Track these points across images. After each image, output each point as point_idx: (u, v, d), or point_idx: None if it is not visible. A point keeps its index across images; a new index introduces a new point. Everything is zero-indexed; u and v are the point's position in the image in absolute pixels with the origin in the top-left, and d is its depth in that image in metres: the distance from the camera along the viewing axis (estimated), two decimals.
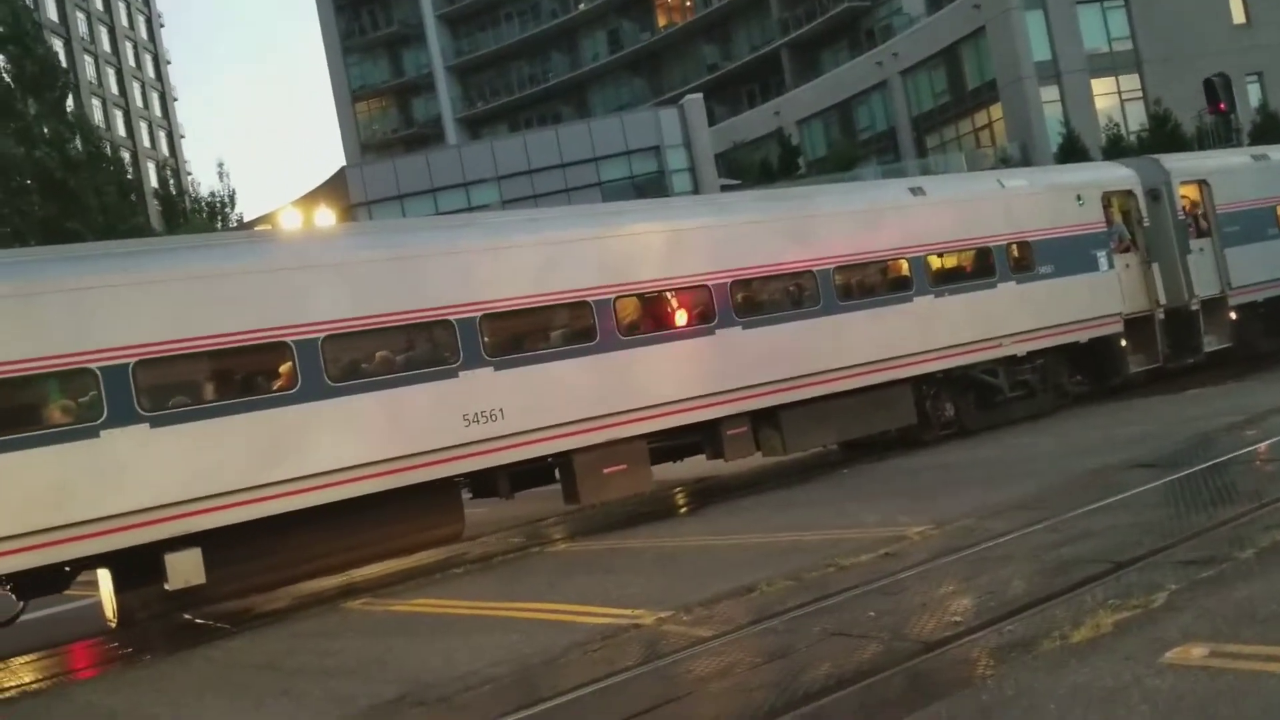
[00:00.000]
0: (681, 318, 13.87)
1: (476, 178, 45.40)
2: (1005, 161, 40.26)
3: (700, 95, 47.60)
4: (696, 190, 43.27)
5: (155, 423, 10.30)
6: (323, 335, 11.19)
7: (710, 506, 13.98)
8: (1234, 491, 9.08)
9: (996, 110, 44.84)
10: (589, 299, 12.88)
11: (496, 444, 12.00)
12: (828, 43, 57.43)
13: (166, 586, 10.36)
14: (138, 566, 10.37)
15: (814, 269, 14.79)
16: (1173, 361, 18.55)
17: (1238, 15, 44.61)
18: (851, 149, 50.32)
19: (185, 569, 10.32)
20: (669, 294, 13.86)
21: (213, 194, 28.98)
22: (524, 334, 12.88)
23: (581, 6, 66.25)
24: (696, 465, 15.48)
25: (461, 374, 11.91)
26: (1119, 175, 19.11)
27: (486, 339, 12.16)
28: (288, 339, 11.02)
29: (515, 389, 12.17)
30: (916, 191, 16.60)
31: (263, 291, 11.12)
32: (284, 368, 11.12)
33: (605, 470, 12.77)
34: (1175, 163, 20.06)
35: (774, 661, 6.46)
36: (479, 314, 12.13)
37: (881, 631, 6.63)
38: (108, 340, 10.22)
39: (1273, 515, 7.87)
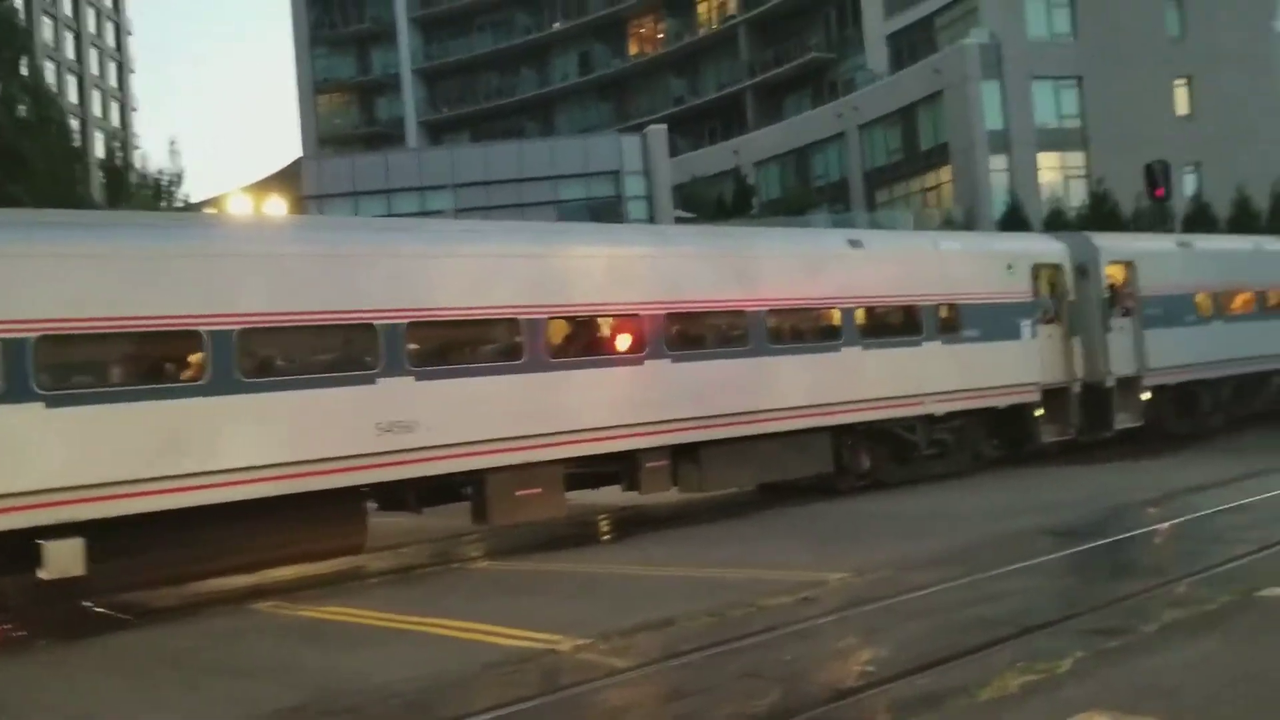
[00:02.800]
0: (612, 345, 13.87)
1: (433, 183, 45.24)
2: (950, 223, 41.04)
3: (664, 126, 48.04)
4: (652, 218, 43.57)
5: (51, 402, 9.78)
6: (239, 327, 10.78)
7: (636, 535, 14.03)
8: (1139, 565, 9.43)
9: (946, 173, 45.78)
10: (520, 317, 12.73)
11: (409, 456, 11.66)
12: (791, 89, 58.28)
13: (41, 575, 9.75)
14: (20, 552, 9.71)
15: (748, 309, 14.84)
16: (1085, 435, 18.98)
17: (1182, 107, 46.18)
18: (805, 195, 50.95)
19: (63, 559, 9.71)
20: (602, 320, 13.86)
21: (161, 171, 28.33)
22: (450, 346, 12.72)
23: (556, 26, 66.52)
24: (625, 493, 15.51)
25: (380, 381, 11.58)
26: (1049, 248, 19.58)
27: (410, 347, 11.89)
28: (201, 328, 10.59)
29: (435, 401, 11.90)
30: (855, 244, 16.81)
31: (180, 276, 10.64)
32: (195, 358, 10.70)
33: (518, 493, 12.55)
34: (1105, 241, 20.66)
35: (684, 699, 6.56)
36: (405, 321, 11.85)
37: (794, 676, 6.75)
38: (9, 312, 9.69)
39: (1174, 592, 8.16)
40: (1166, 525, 11.49)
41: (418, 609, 9.71)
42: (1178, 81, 46.12)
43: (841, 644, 7.40)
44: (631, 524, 15.04)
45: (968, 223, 41.02)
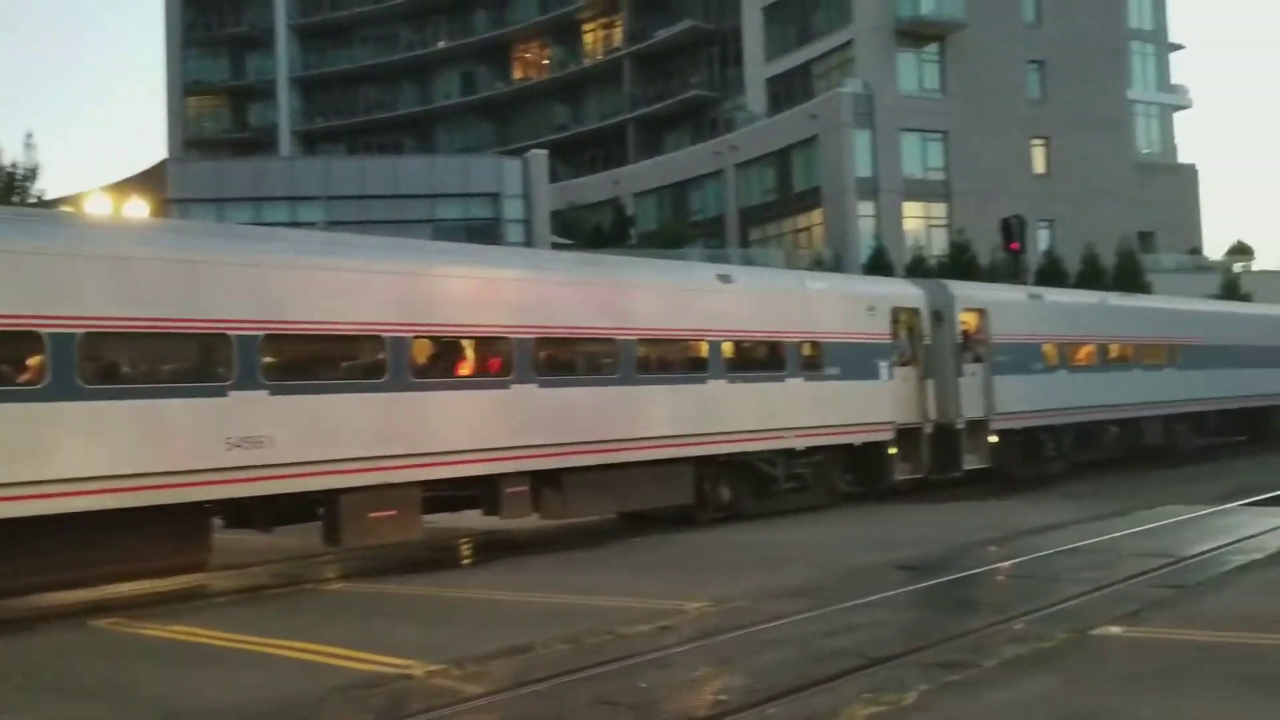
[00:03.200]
0: (478, 367, 13.68)
1: (305, 194, 44.20)
2: (820, 264, 42.17)
3: (545, 152, 48.11)
4: (530, 243, 43.48)
5: None
6: (82, 331, 10.24)
7: (497, 560, 13.84)
8: (982, 602, 9.79)
9: (817, 215, 47.08)
10: (384, 334, 12.42)
11: (260, 473, 11.19)
12: (673, 125, 59.19)
13: None
14: None
15: (618, 338, 14.86)
16: (934, 474, 19.63)
17: (1039, 165, 48.74)
18: (682, 228, 51.74)
19: None
20: (469, 341, 13.63)
21: (15, 165, 26.88)
22: (309, 361, 12.31)
23: (440, 45, 66.04)
24: (487, 518, 15.35)
25: (232, 394, 11.11)
26: (909, 293, 20.25)
27: (266, 360, 11.43)
28: (41, 330, 10.02)
29: (290, 417, 11.48)
30: (725, 279, 17.05)
31: (20, 274, 10.04)
32: (33, 361, 10.12)
33: (373, 514, 12.18)
34: (960, 289, 21.51)
35: None
36: (261, 333, 11.39)
37: (648, 704, 6.77)
38: None
39: (1013, 629, 8.50)
40: (1008, 564, 11.92)
41: (265, 630, 9.37)
42: (1036, 141, 48.69)
43: (696, 673, 7.46)
44: (493, 548, 14.89)
45: (836, 265, 42.23)
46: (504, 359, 13.63)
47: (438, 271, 13.40)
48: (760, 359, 17.14)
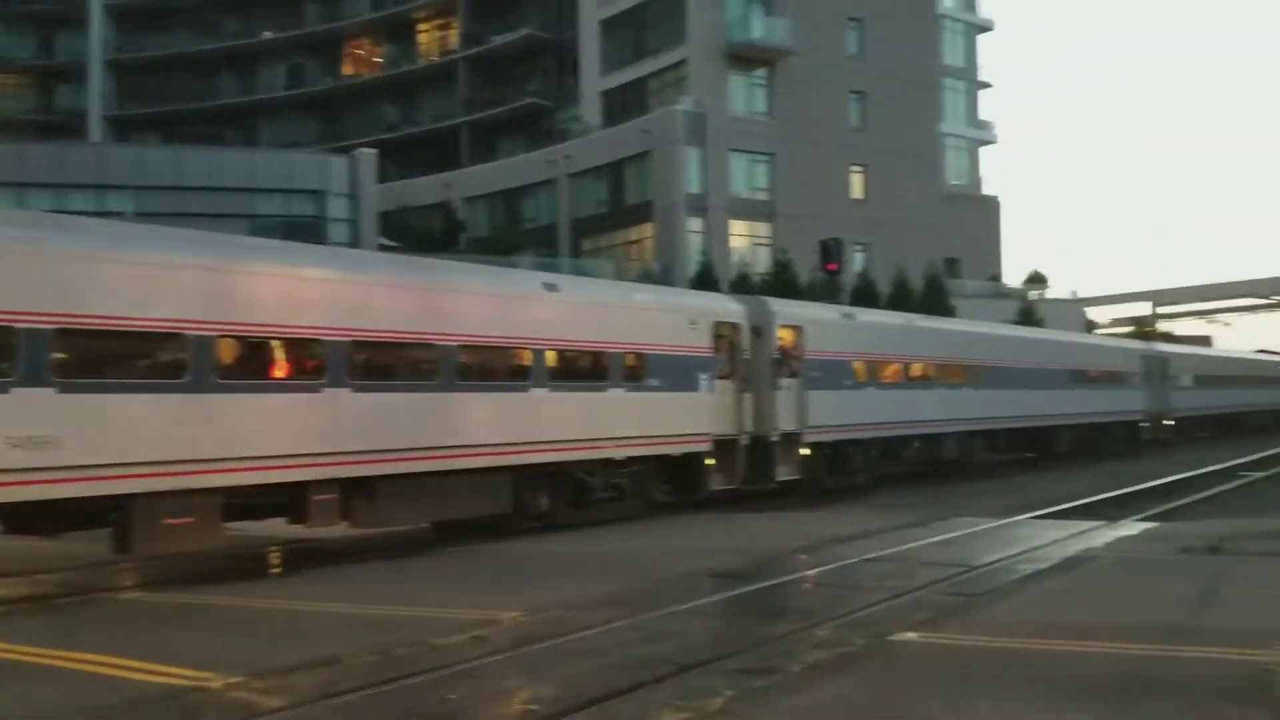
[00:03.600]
0: (289, 370, 13.18)
1: (115, 182, 41.91)
2: (649, 277, 42.72)
3: (375, 151, 47.04)
4: (355, 243, 42.43)
5: None
6: None
7: (309, 570, 13.39)
8: (789, 609, 10.12)
9: (648, 229, 47.69)
10: (186, 332, 11.84)
11: (46, 475, 10.55)
12: (507, 131, 58.87)
13: None
14: None
15: (438, 343, 14.64)
16: (749, 485, 20.13)
17: (857, 191, 50.84)
18: (514, 236, 51.48)
19: None
20: (280, 343, 13.11)
21: None
22: (104, 358, 11.63)
23: (265, 35, 63.74)
24: (297, 526, 14.89)
25: (15, 391, 10.45)
26: (730, 309, 20.73)
27: (55, 356, 10.81)
28: None
29: (81, 417, 10.84)
30: (551, 287, 17.06)
31: None
32: None
33: (169, 521, 11.59)
34: (778, 307, 22.18)
35: None
36: (50, 327, 10.75)
37: (456, 715, 6.72)
38: None
39: (817, 635, 8.81)
40: (815, 572, 12.36)
41: (53, 642, 8.83)
42: (855, 168, 50.77)
43: (508, 683, 7.44)
44: (303, 557, 14.45)
45: (665, 278, 42.88)
46: (316, 362, 13.24)
47: (247, 268, 12.83)
48: (583, 369, 17.17)
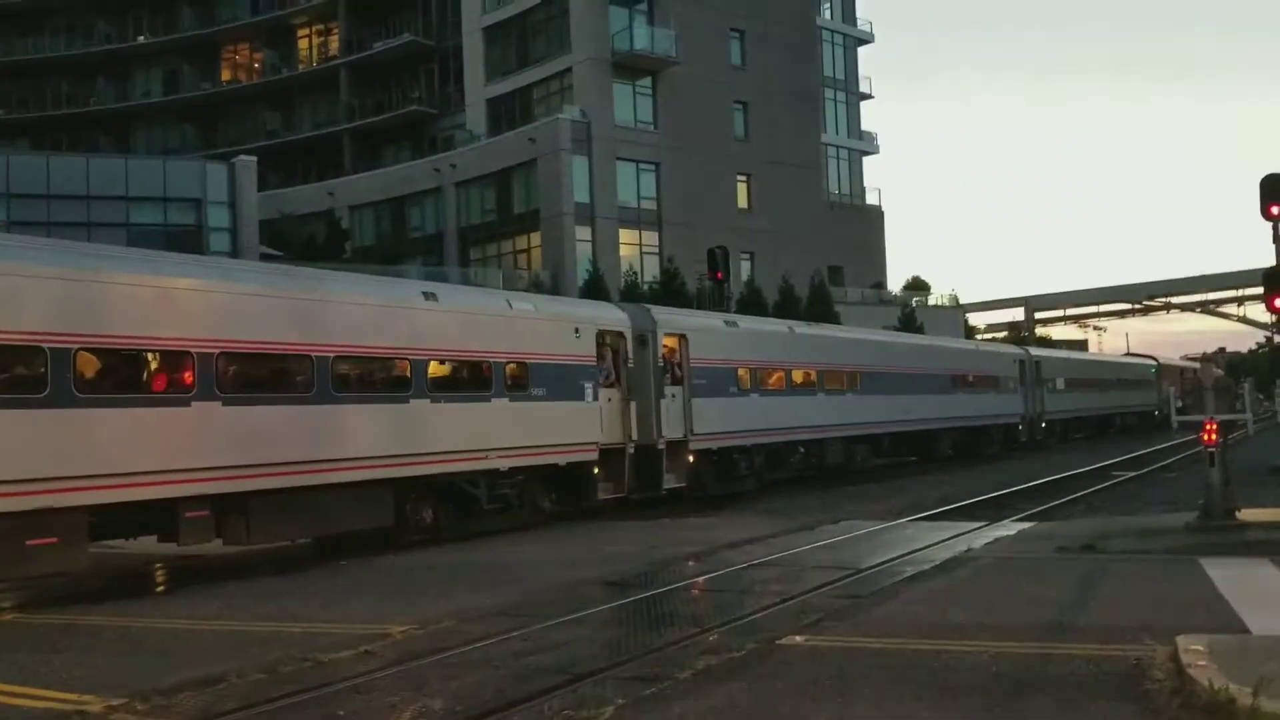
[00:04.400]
0: (155, 383, 12.79)
1: None
2: (538, 286, 42.72)
3: (254, 158, 45.88)
4: (236, 253, 41.31)
5: None
6: None
7: (192, 587, 13.02)
8: (679, 616, 10.18)
9: (536, 238, 47.61)
10: (45, 345, 11.37)
11: None
12: (391, 139, 58.14)
13: None
14: None
15: (313, 354, 14.31)
16: (636, 494, 20.18)
17: (742, 200, 51.61)
18: (400, 244, 50.85)
19: None
20: (143, 355, 12.73)
21: None
22: None
23: (140, 39, 61.66)
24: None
25: None
26: (614, 317, 20.71)
27: None
28: None
29: None
30: (429, 296, 16.80)
31: None
32: None
33: (30, 542, 11.06)
34: (662, 315, 22.26)
35: None
36: None
37: None
38: None
39: (707, 641, 8.92)
40: (705, 579, 12.41)
41: None
42: (740, 177, 51.51)
43: (397, 697, 7.35)
44: (189, 575, 14.05)
45: (554, 287, 42.88)
46: (182, 374, 12.82)
47: (108, 278, 12.33)
48: (465, 379, 17.00)
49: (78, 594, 12.23)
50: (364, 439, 14.81)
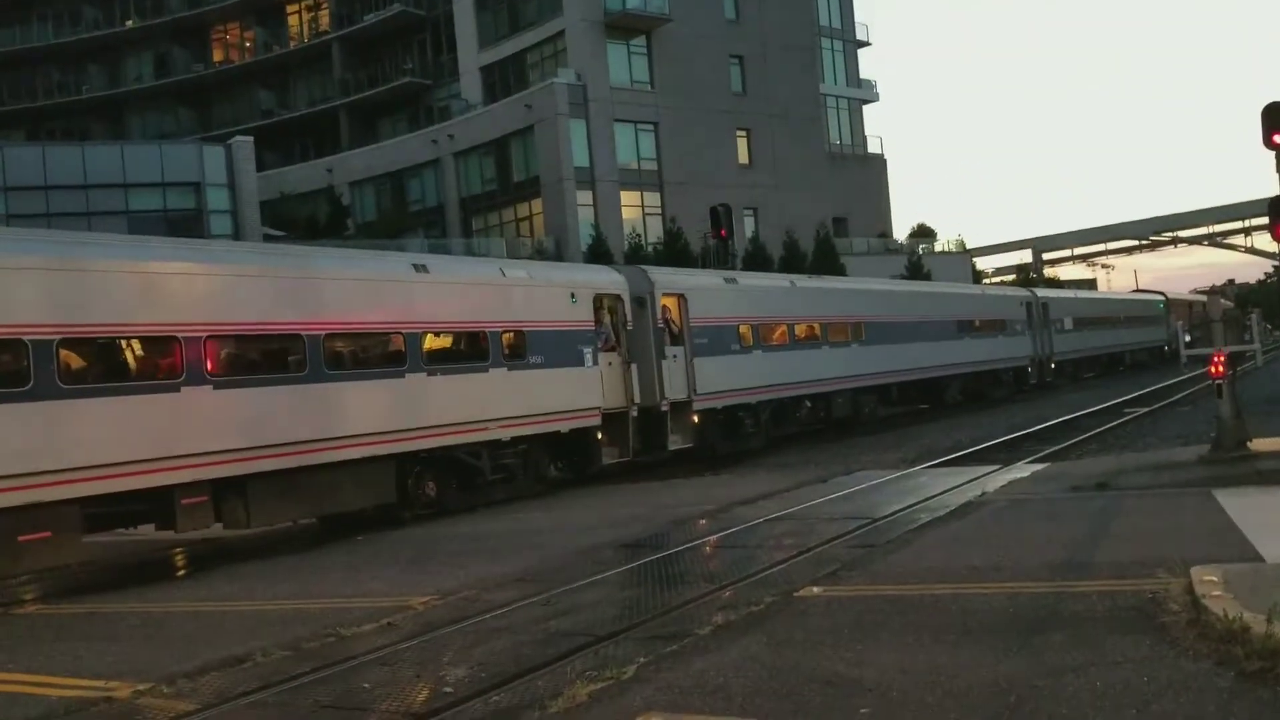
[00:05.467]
0: (142, 370, 12.67)
1: None
2: (542, 253, 42.66)
3: (251, 139, 45.71)
4: (237, 234, 41.31)
5: None
6: None
7: (212, 570, 13.09)
8: (696, 573, 10.25)
9: (538, 205, 47.45)
10: (26, 337, 11.27)
11: None
12: (387, 112, 57.84)
13: None
14: None
15: (304, 333, 14.21)
16: (641, 457, 20.07)
17: (743, 156, 51.24)
18: (401, 218, 50.73)
19: None
20: (130, 341, 12.59)
21: None
22: None
23: (129, 24, 61.28)
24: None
25: None
26: (610, 280, 20.52)
27: None
28: None
29: None
30: (420, 269, 16.62)
31: None
32: None
33: (22, 538, 11.02)
34: (660, 275, 22.07)
35: None
36: None
37: (375, 703, 6.70)
38: None
39: (724, 596, 8.99)
40: (720, 536, 12.47)
41: None
42: (739, 133, 51.14)
43: (422, 667, 7.41)
44: (206, 559, 14.17)
45: (557, 253, 42.80)
46: (171, 359, 12.67)
47: (90, 266, 12.23)
48: (461, 350, 16.88)
49: (99, 582, 12.36)
50: (361, 416, 14.71)
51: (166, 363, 12.69)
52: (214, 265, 13.75)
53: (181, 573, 13.83)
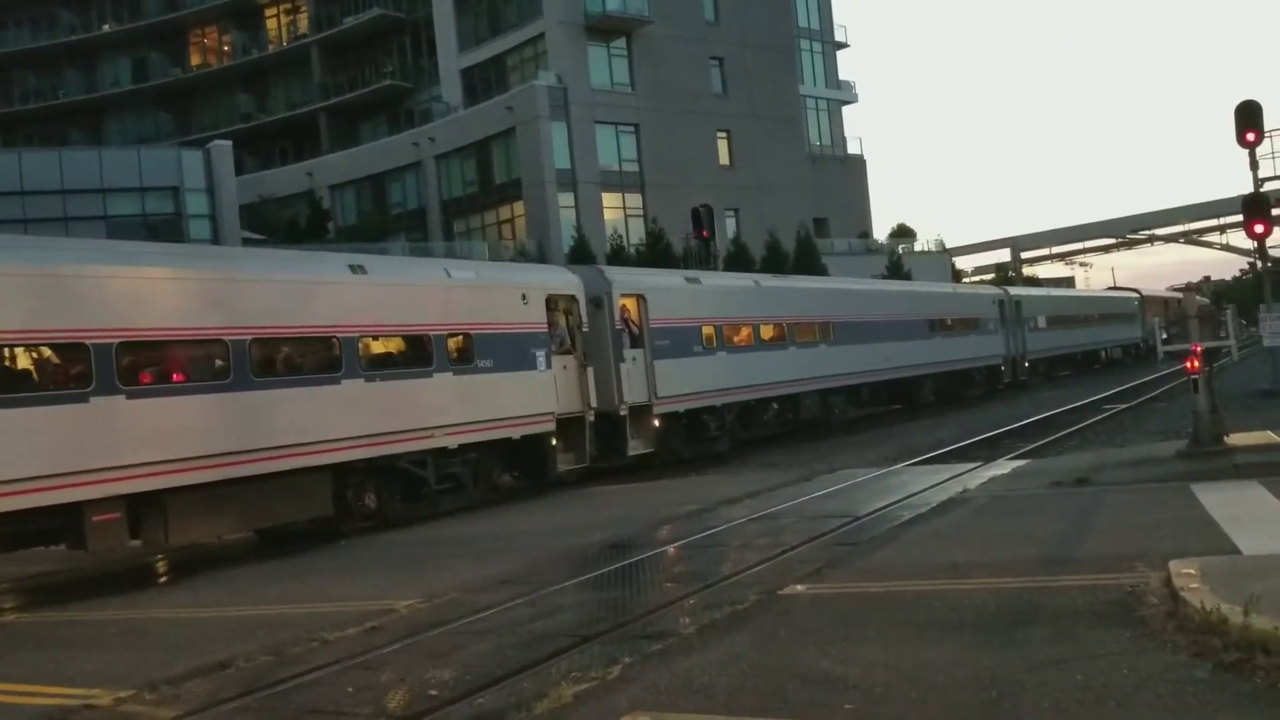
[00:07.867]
0: (48, 379, 11.95)
1: None
2: (523, 255, 42.62)
3: (230, 142, 45.48)
4: (217, 239, 41.09)
5: None
6: None
7: (194, 576, 12.97)
8: (683, 572, 10.28)
9: (520, 207, 47.42)
10: None
11: None
12: (367, 115, 57.70)
13: None
14: None
15: (226, 338, 13.50)
16: (600, 463, 19.57)
17: (723, 157, 51.35)
18: (382, 222, 50.59)
19: None
20: (32, 350, 11.89)
21: None
22: None
23: (106, 28, 60.90)
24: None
25: None
26: (564, 280, 19.91)
27: None
28: None
29: None
30: (357, 269, 15.94)
31: None
32: None
33: None
34: (617, 275, 21.60)
35: None
36: None
37: (359, 707, 6.68)
38: None
39: (711, 595, 9.00)
40: (704, 535, 12.46)
41: None
42: (720, 134, 51.24)
43: (407, 671, 7.40)
44: (189, 565, 14.07)
45: (540, 255, 42.77)
46: (81, 368, 11.99)
47: None
48: (402, 355, 16.35)
49: (81, 590, 12.25)
50: (292, 425, 14.08)
51: (75, 371, 12.04)
52: (127, 268, 13.02)
53: (165, 579, 13.73)
